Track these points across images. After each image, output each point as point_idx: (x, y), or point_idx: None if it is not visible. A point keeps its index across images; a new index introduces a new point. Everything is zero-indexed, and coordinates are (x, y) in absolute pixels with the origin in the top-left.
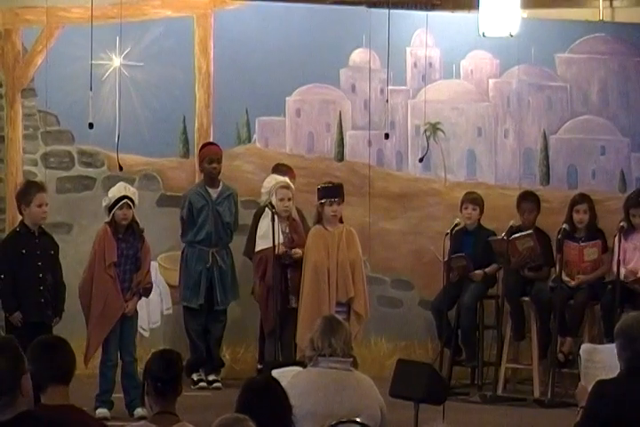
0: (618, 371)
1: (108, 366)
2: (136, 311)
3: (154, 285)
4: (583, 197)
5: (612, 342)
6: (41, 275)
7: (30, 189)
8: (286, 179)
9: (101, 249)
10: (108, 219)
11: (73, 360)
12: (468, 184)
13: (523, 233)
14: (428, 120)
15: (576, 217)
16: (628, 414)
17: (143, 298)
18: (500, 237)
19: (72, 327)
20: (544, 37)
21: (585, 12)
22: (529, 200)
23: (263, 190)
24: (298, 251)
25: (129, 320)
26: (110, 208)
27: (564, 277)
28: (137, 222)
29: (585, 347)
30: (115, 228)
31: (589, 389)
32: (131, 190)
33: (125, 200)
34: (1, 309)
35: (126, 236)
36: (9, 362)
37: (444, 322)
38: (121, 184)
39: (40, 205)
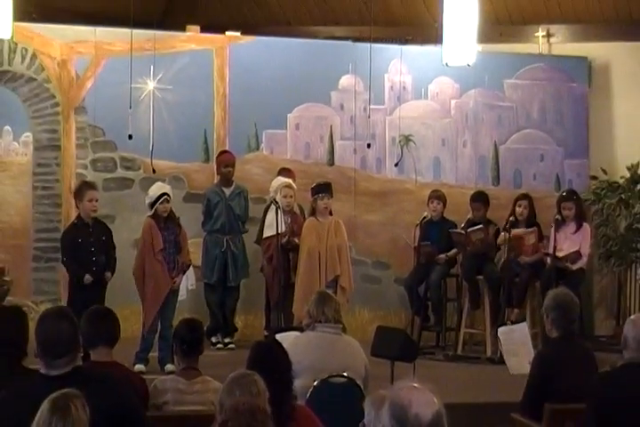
0: (530, 344)
1: (150, 331)
2: (178, 287)
3: None
4: (525, 196)
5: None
6: (94, 258)
7: (83, 188)
8: (290, 180)
9: (149, 239)
10: (150, 213)
11: (118, 327)
12: (434, 184)
13: (476, 227)
14: (402, 133)
15: (517, 210)
16: (565, 370)
17: None
18: (458, 231)
19: (116, 300)
20: (495, 67)
21: (527, 47)
22: (476, 201)
23: (271, 189)
24: (296, 240)
25: (172, 294)
26: (153, 204)
27: (512, 256)
28: (174, 212)
29: (502, 329)
30: (157, 220)
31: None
32: (167, 188)
33: (165, 196)
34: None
35: (167, 225)
36: (72, 327)
37: (414, 296)
38: (159, 184)
39: (90, 200)
